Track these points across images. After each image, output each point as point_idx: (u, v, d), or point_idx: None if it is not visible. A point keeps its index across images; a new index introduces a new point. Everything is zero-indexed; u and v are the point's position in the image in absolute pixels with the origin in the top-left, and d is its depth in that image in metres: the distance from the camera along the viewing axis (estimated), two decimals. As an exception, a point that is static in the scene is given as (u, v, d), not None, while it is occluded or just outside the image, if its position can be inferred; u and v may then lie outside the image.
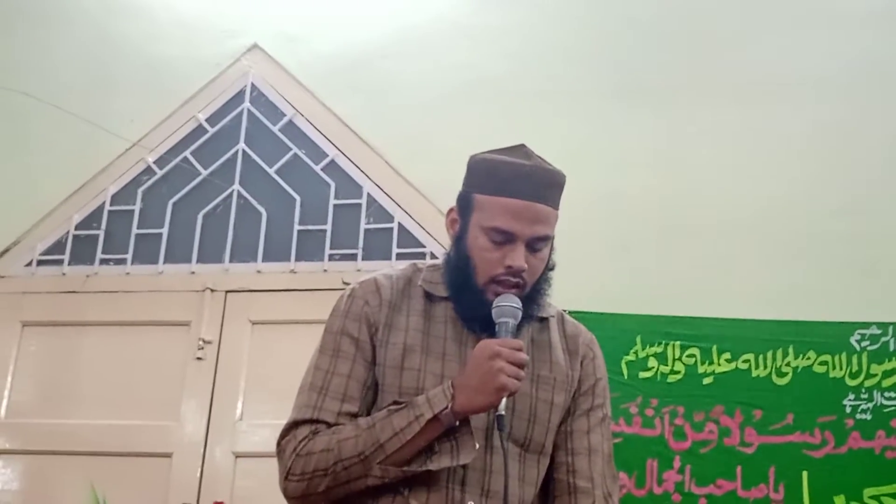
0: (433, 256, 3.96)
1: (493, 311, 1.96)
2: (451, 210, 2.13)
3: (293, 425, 1.98)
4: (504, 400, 1.87)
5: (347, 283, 2.16)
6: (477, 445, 1.91)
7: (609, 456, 2.12)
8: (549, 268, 2.10)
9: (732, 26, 4.36)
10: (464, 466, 1.93)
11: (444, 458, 1.90)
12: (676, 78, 4.29)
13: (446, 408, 1.87)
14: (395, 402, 1.92)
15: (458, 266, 2.06)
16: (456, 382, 1.90)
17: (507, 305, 1.96)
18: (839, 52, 4.23)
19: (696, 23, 4.38)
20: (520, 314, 1.97)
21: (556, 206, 2.08)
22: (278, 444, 1.98)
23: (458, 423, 1.90)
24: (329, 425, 1.95)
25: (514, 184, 2.02)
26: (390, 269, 2.18)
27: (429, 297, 2.10)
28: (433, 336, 2.02)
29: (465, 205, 2.08)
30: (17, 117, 4.60)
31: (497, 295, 1.99)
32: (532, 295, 2.05)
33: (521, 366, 1.89)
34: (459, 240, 2.07)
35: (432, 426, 1.88)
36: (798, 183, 4.01)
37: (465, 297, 2.04)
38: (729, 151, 4.12)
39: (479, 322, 2.01)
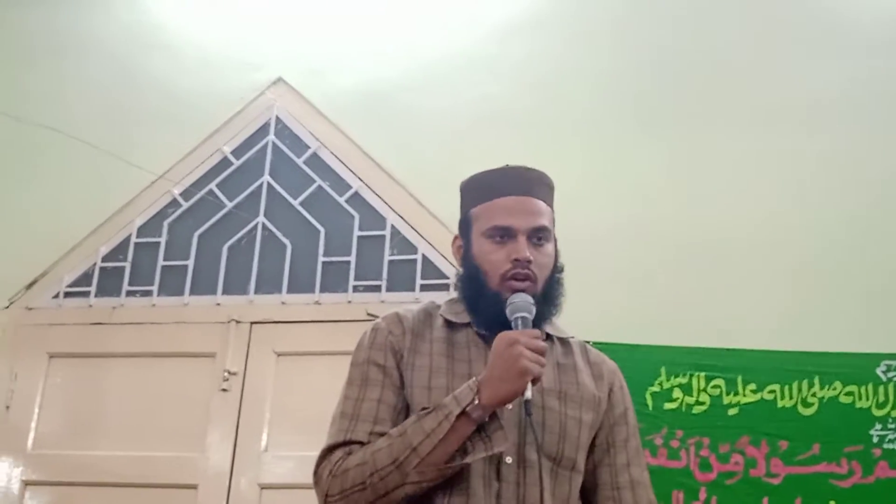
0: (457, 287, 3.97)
1: (507, 310, 2.01)
2: (455, 238, 2.24)
3: (327, 451, 2.00)
4: (530, 386, 1.89)
5: (372, 314, 2.21)
6: (507, 437, 1.93)
7: (649, 486, 2.17)
8: (559, 269, 2.17)
9: (749, 54, 4.37)
10: (499, 481, 1.95)
11: (479, 450, 1.91)
12: (699, 106, 4.29)
13: (473, 401, 1.89)
14: (423, 409, 1.94)
15: (470, 277, 2.14)
16: (480, 378, 1.93)
17: (519, 301, 2.01)
18: (856, 78, 4.23)
19: (714, 52, 4.39)
20: (534, 309, 2.02)
21: (549, 203, 2.18)
22: (315, 472, 2.00)
23: (487, 418, 1.92)
24: (362, 444, 1.97)
25: (503, 184, 2.15)
26: (409, 306, 2.24)
27: (450, 325, 2.15)
28: (457, 360, 2.06)
29: (464, 225, 2.19)
30: (45, 151, 4.65)
31: (512, 292, 2.04)
32: (546, 296, 2.10)
33: (541, 353, 1.92)
34: (466, 256, 2.17)
35: (462, 423, 1.90)
36: (823, 213, 4.00)
37: (482, 303, 2.10)
38: (752, 180, 4.12)
39: None
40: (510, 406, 1.97)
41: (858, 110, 4.18)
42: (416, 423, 1.91)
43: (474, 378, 1.95)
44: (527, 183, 2.16)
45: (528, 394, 1.90)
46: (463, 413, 1.89)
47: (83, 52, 4.93)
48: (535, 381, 1.91)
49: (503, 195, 2.13)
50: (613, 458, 2.13)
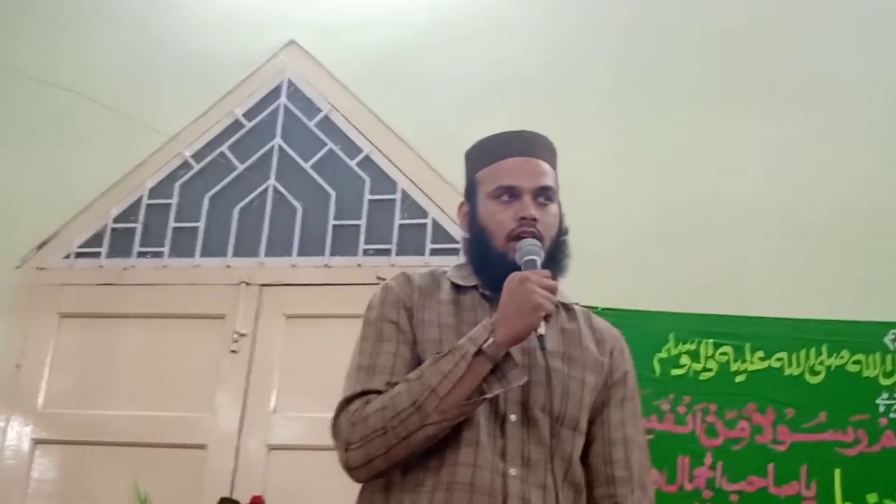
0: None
1: (517, 255, 2.04)
2: (461, 205, 2.26)
3: (345, 402, 2.01)
4: (543, 323, 1.93)
5: (381, 278, 2.23)
6: (524, 374, 1.97)
7: (644, 447, 2.18)
8: (564, 231, 2.19)
9: (774, 28, 4.33)
10: (504, 438, 1.98)
11: (495, 386, 1.94)
12: (715, 78, 4.27)
13: (488, 340, 1.92)
14: (439, 352, 1.96)
15: (476, 238, 2.16)
16: (493, 318, 1.96)
17: (527, 245, 2.04)
18: (871, 53, 4.21)
19: (739, 24, 4.36)
20: (542, 252, 2.05)
21: (552, 165, 2.20)
22: (333, 424, 2.01)
23: (501, 357, 1.94)
24: (379, 394, 1.98)
25: (507, 146, 2.18)
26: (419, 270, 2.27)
27: (457, 288, 2.17)
28: (465, 321, 2.08)
29: (470, 189, 2.22)
30: (57, 112, 4.66)
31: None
32: (551, 257, 2.11)
33: (552, 291, 1.95)
34: (472, 219, 2.19)
35: (479, 362, 1.92)
36: (832, 183, 3.99)
37: (488, 263, 2.12)
38: (763, 151, 4.10)
39: None
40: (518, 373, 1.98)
41: (873, 84, 4.16)
42: (433, 366, 1.93)
43: (487, 318, 1.97)
44: (530, 145, 2.18)
45: (542, 329, 1.93)
46: (479, 352, 1.91)
47: (99, 14, 4.92)
48: (547, 317, 1.93)
49: (508, 157, 2.15)
50: (608, 415, 2.15)
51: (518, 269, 2.02)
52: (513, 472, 1.96)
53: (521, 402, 2.02)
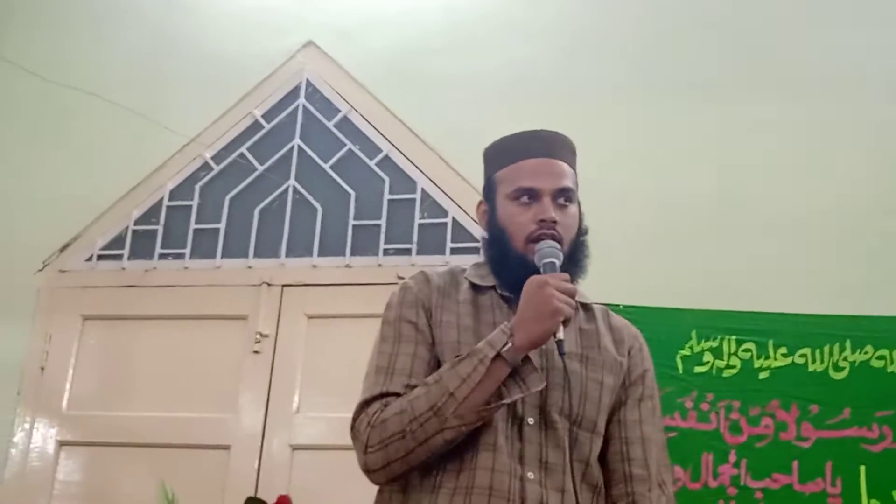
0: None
1: (536, 257, 2.04)
2: (480, 203, 2.25)
3: (364, 404, 2.02)
4: (561, 327, 1.92)
5: (402, 278, 2.22)
6: (543, 380, 1.96)
7: (663, 445, 2.17)
8: (583, 231, 2.18)
9: (787, 21, 4.32)
10: (521, 441, 1.98)
11: (514, 391, 1.94)
12: (731, 74, 4.26)
13: (507, 344, 1.91)
14: (457, 356, 1.96)
15: (495, 240, 2.16)
16: (512, 322, 1.95)
17: (546, 248, 2.04)
18: (874, 54, 4.19)
19: (750, 18, 4.35)
20: (561, 255, 2.04)
21: (572, 166, 2.19)
22: (352, 426, 2.01)
23: (520, 361, 1.94)
24: (398, 396, 1.98)
25: (526, 147, 2.16)
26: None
27: (475, 288, 2.16)
28: (483, 323, 2.08)
29: (489, 189, 2.20)
30: (77, 114, 4.68)
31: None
32: (571, 258, 2.11)
33: (570, 295, 1.95)
34: (491, 220, 2.18)
35: (498, 367, 1.92)
36: (854, 178, 3.98)
37: (507, 265, 2.12)
38: (783, 147, 4.09)
39: None
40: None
41: (875, 83, 4.14)
42: (452, 370, 1.93)
43: (505, 322, 1.97)
44: (550, 145, 2.17)
45: (561, 334, 1.92)
46: (498, 356, 1.91)
47: (118, 16, 4.94)
48: (565, 322, 1.93)
49: (527, 157, 2.14)
50: (625, 414, 2.14)
51: (537, 271, 2.01)
52: (531, 475, 1.96)
53: (539, 406, 2.01)
